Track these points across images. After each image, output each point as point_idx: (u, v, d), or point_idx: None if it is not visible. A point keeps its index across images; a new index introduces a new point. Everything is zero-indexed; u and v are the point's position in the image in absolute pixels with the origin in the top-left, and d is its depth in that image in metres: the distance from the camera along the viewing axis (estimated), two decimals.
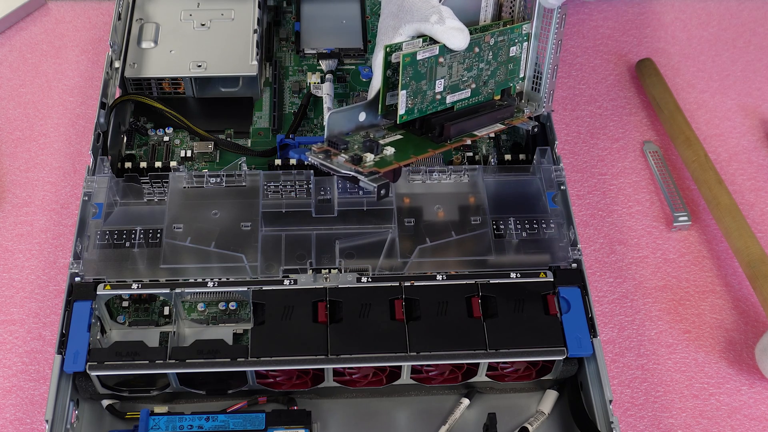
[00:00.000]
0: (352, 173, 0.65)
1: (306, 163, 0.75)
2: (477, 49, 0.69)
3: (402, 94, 0.66)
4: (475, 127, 0.71)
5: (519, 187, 0.74)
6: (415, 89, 0.67)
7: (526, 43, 0.72)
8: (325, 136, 0.67)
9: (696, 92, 0.93)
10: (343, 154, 0.65)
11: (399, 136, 0.69)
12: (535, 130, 0.75)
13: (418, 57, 0.66)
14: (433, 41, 0.67)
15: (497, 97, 0.73)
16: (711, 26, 0.99)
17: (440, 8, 0.65)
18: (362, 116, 0.69)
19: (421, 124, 0.70)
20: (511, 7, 0.72)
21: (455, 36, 0.65)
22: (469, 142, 0.70)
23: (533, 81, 0.74)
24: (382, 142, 0.68)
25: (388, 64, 0.66)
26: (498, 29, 0.70)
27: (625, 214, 0.84)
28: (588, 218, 0.83)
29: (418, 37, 0.67)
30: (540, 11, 0.71)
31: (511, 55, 0.72)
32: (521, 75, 0.74)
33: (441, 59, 0.67)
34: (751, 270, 0.76)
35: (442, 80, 0.68)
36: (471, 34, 0.68)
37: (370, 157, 0.65)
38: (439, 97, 0.69)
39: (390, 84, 0.68)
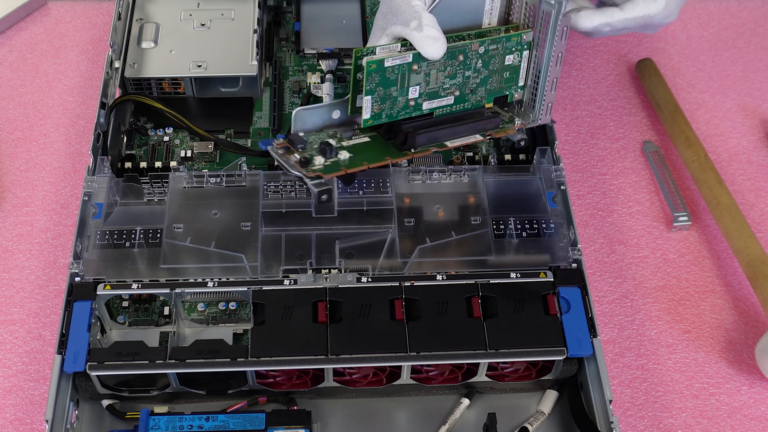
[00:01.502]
0: (299, 174, 0.65)
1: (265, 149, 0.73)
2: (461, 57, 0.68)
3: (367, 100, 0.66)
4: (448, 136, 0.70)
5: (519, 187, 0.74)
6: (383, 95, 0.66)
7: (527, 51, 0.70)
8: (291, 131, 0.67)
9: (696, 92, 0.93)
10: (296, 154, 0.65)
11: (367, 139, 0.68)
12: (522, 143, 0.74)
13: (386, 64, 0.65)
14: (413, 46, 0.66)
15: (489, 105, 0.72)
16: (711, 26, 0.99)
17: (422, 15, 0.64)
18: (336, 114, 0.68)
19: (387, 129, 0.69)
20: (519, 13, 0.70)
21: (429, 45, 0.64)
22: (435, 151, 0.69)
23: (532, 91, 0.72)
24: (348, 143, 0.67)
25: (357, 68, 0.66)
26: (490, 37, 0.69)
27: (625, 214, 0.84)
28: (588, 218, 0.83)
29: (402, 40, 0.66)
30: (541, 21, 0.68)
31: (507, 63, 0.70)
32: (520, 83, 0.72)
33: (415, 66, 0.66)
34: (751, 270, 0.76)
35: (417, 87, 0.67)
36: (460, 40, 0.67)
37: (319, 161, 0.65)
38: (413, 103, 0.68)
39: (359, 87, 0.67)
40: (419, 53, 0.65)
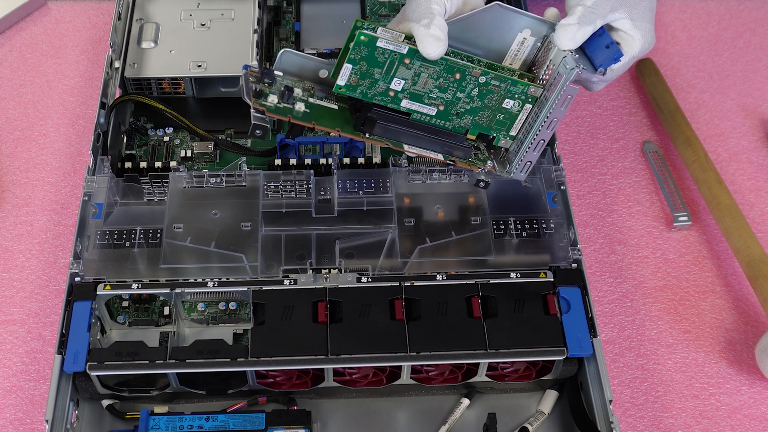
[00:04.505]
0: (248, 102, 0.65)
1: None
2: (458, 76, 0.66)
3: (347, 67, 0.64)
4: (410, 141, 0.68)
5: (519, 187, 0.74)
6: (364, 71, 0.65)
7: (530, 105, 0.68)
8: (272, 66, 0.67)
9: (696, 92, 0.93)
10: (256, 84, 0.65)
11: (334, 107, 0.67)
12: (480, 185, 0.70)
13: (378, 44, 0.64)
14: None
15: (472, 137, 0.70)
16: (711, 26, 0.99)
17: (435, 17, 0.64)
18: (323, 73, 0.68)
19: (356, 105, 0.67)
20: (541, 68, 0.68)
21: (429, 42, 0.63)
22: (387, 146, 0.68)
23: (519, 144, 0.69)
24: (314, 100, 0.66)
25: (352, 36, 0.64)
26: (498, 73, 0.66)
27: (625, 214, 0.84)
28: (588, 218, 0.83)
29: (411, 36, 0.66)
30: (552, 81, 0.66)
31: (504, 106, 0.68)
32: (512, 133, 0.69)
33: (407, 60, 0.64)
34: (751, 270, 0.76)
35: (403, 81, 0.66)
36: (468, 61, 0.66)
37: (272, 99, 0.65)
38: (392, 94, 0.66)
39: (347, 53, 0.65)
40: (416, 49, 0.64)
